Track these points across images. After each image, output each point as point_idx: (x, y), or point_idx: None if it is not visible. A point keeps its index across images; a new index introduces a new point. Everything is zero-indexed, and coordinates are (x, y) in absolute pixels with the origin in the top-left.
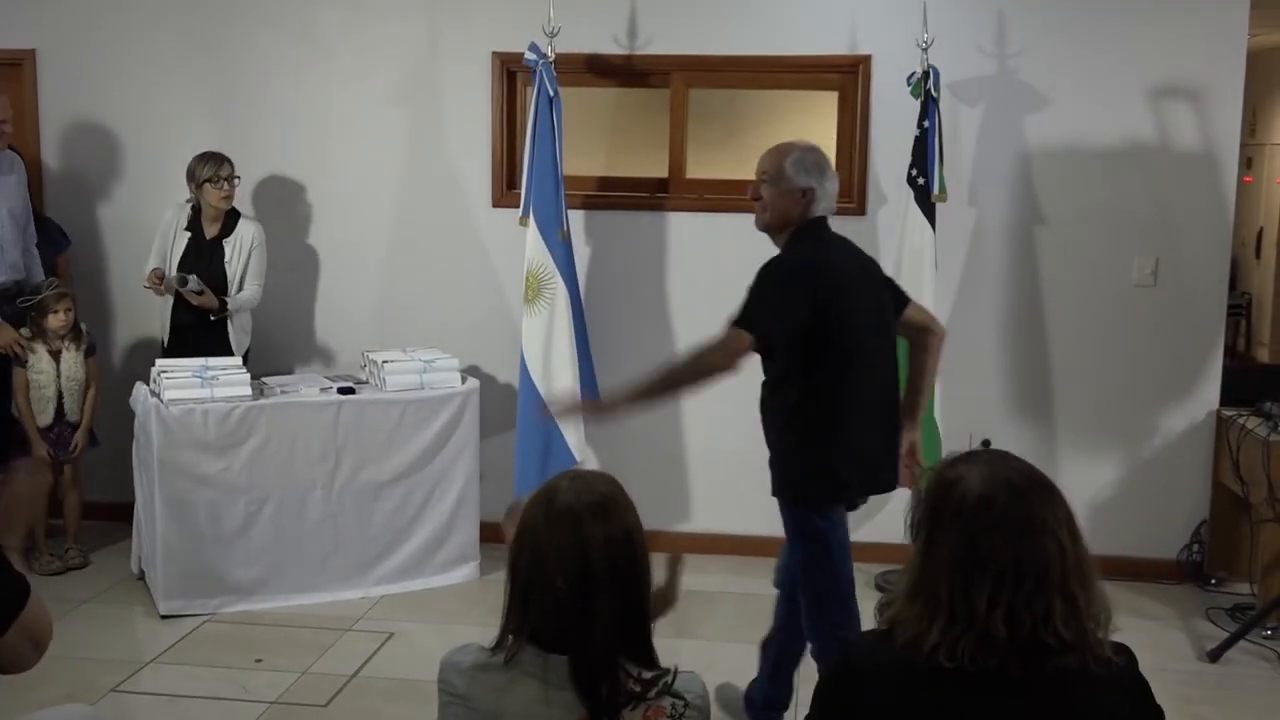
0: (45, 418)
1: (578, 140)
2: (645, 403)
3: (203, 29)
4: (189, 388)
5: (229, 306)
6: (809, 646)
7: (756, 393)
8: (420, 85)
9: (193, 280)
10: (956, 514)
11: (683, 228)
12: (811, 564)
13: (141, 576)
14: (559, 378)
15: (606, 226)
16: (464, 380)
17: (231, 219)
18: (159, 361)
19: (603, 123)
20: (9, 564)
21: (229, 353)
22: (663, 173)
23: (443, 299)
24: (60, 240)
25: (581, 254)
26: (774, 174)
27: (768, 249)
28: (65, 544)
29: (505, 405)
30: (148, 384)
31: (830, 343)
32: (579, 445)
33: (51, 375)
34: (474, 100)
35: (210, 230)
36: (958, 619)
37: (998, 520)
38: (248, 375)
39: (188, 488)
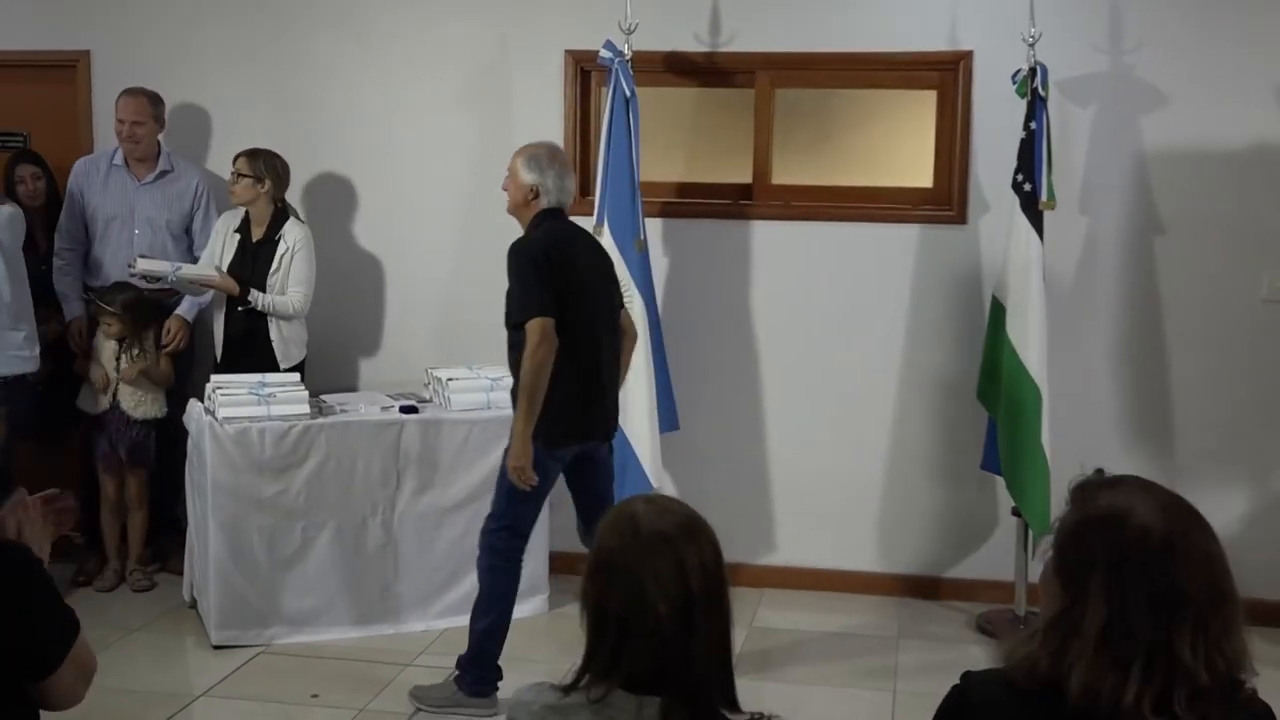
0: (96, 405)
1: (656, 144)
2: (529, 428)
3: (260, 29)
4: (245, 405)
5: (254, 301)
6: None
7: (842, 416)
8: (488, 86)
9: (141, 263)
10: (1140, 550)
11: (768, 237)
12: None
13: (193, 604)
14: (634, 397)
15: (686, 236)
16: None
17: (279, 221)
18: (214, 377)
19: (682, 125)
20: (59, 595)
21: (275, 366)
22: (747, 178)
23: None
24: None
25: (659, 265)
26: (512, 169)
27: (864, 259)
28: (129, 565)
29: None
30: (202, 401)
31: (565, 310)
32: (655, 470)
33: (111, 354)
34: (545, 102)
35: (256, 232)
36: (1156, 665)
37: (1188, 554)
38: (306, 392)
39: (242, 511)
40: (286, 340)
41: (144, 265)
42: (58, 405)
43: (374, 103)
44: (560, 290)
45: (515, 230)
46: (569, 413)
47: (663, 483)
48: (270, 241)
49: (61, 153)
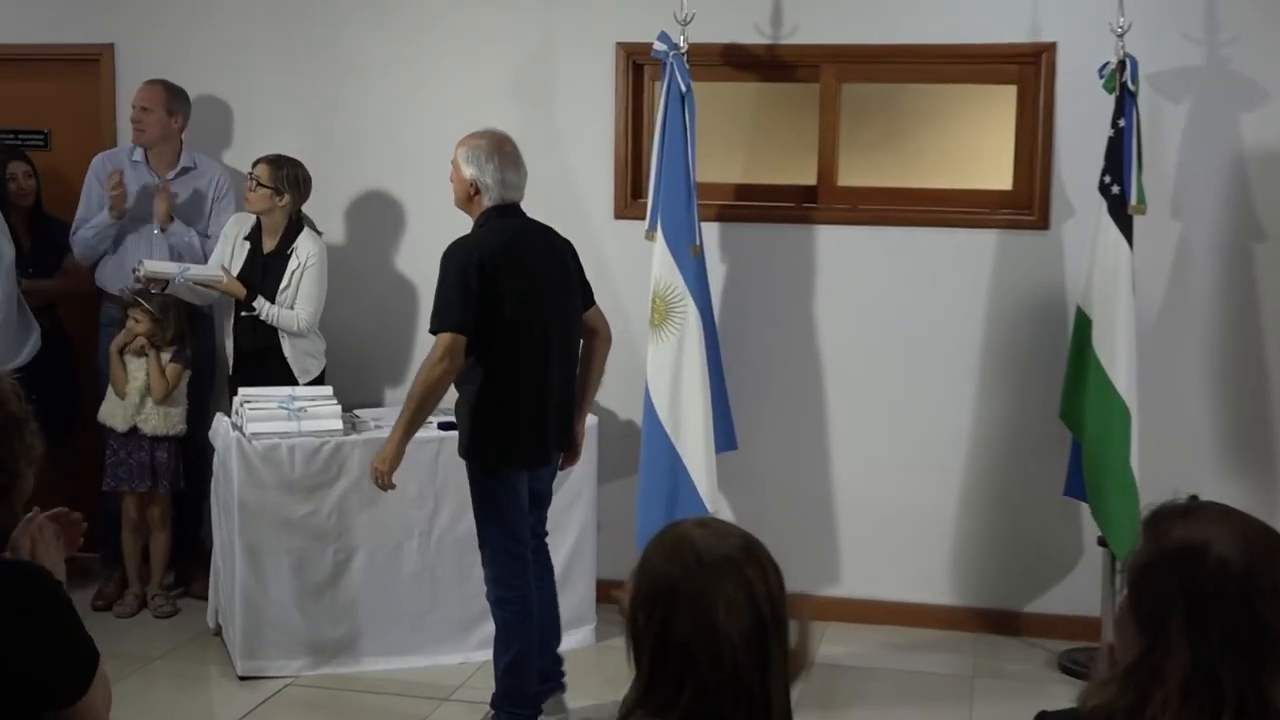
0: (122, 420)
1: (713, 142)
2: (408, 437)
3: (291, 20)
4: (274, 420)
5: (258, 309)
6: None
7: (913, 436)
8: (534, 81)
9: (147, 264)
10: (1219, 586)
11: (833, 242)
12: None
13: (218, 632)
14: (689, 414)
15: (745, 241)
16: None
17: (293, 233)
18: (242, 390)
19: (742, 123)
20: (81, 625)
21: (292, 382)
22: (811, 180)
23: None
24: (66, 240)
25: (716, 272)
26: (454, 162)
27: (937, 267)
28: (150, 589)
29: (626, 445)
30: (229, 415)
31: (497, 318)
32: (710, 493)
33: (137, 368)
34: (595, 97)
35: (268, 243)
36: (1250, 715)
37: (1274, 588)
38: (339, 407)
39: (271, 533)
40: (301, 353)
41: (150, 267)
42: (58, 407)
43: (410, 98)
44: (497, 304)
45: (573, 234)
46: (520, 435)
47: (719, 506)
48: (282, 255)
49: (83, 151)
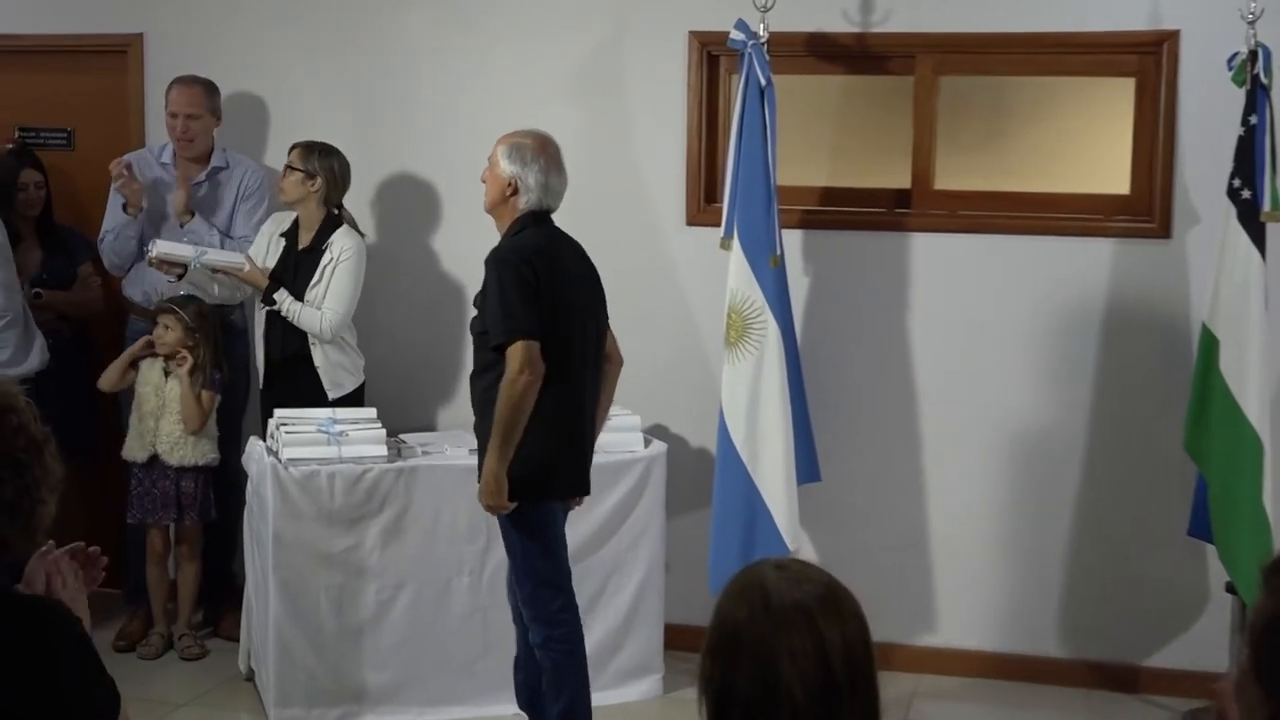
0: (140, 448)
1: (796, 142)
2: (505, 460)
3: (337, 8)
4: (313, 445)
5: (278, 302)
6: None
7: (1017, 468)
8: (598, 73)
9: (159, 245)
10: None
11: (929, 253)
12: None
13: (251, 676)
14: (767, 441)
15: (831, 250)
16: (647, 443)
17: (330, 228)
18: (278, 412)
19: (828, 120)
20: (102, 666)
21: (322, 396)
22: (904, 183)
23: (622, 340)
24: (80, 250)
25: (799, 285)
26: (492, 159)
27: (1046, 279)
28: (177, 628)
29: (699, 475)
30: (263, 439)
31: (552, 335)
32: (791, 530)
33: (155, 388)
34: (665, 92)
35: (303, 238)
36: None
37: None
38: (383, 431)
39: (308, 569)
40: (333, 365)
41: (163, 248)
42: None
43: (467, 93)
44: (550, 311)
45: (625, 244)
46: (563, 464)
47: (800, 544)
48: (316, 250)
49: (108, 151)
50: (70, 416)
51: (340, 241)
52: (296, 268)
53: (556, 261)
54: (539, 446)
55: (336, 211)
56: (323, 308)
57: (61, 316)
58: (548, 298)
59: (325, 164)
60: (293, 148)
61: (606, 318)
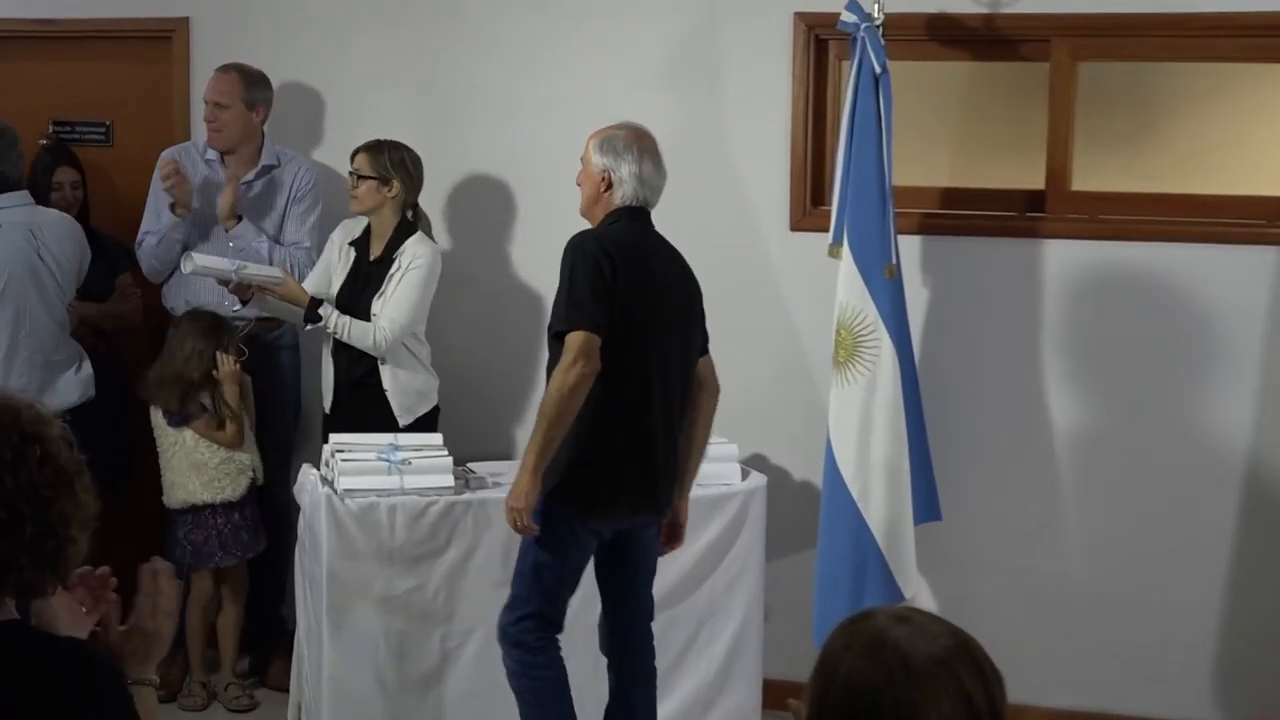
0: (186, 490)
1: (914, 137)
2: (544, 463)
3: None
4: (372, 474)
5: (324, 319)
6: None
7: (1167, 510)
8: (692, 60)
9: (196, 257)
10: None
11: (1065, 261)
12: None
13: None
14: (881, 474)
15: (954, 259)
16: (745, 475)
17: (403, 235)
18: (333, 437)
19: (950, 111)
20: (137, 716)
21: (392, 423)
22: (1038, 183)
23: (717, 358)
24: (120, 258)
25: (917, 298)
26: (584, 157)
27: (1201, 293)
28: (221, 678)
29: (802, 512)
30: (317, 468)
31: (624, 335)
32: (906, 574)
33: (161, 429)
34: (767, 81)
35: (375, 248)
36: None
37: None
38: (450, 459)
39: (366, 612)
40: (404, 388)
41: (200, 260)
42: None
43: (545, 83)
44: (623, 311)
45: (721, 251)
46: (615, 474)
47: (917, 592)
48: (386, 261)
49: (150, 147)
50: (103, 444)
51: (412, 249)
52: (366, 280)
53: (643, 261)
54: (590, 454)
55: (411, 215)
56: (378, 319)
57: (97, 332)
58: (624, 296)
59: (398, 164)
60: (356, 152)
61: (703, 339)
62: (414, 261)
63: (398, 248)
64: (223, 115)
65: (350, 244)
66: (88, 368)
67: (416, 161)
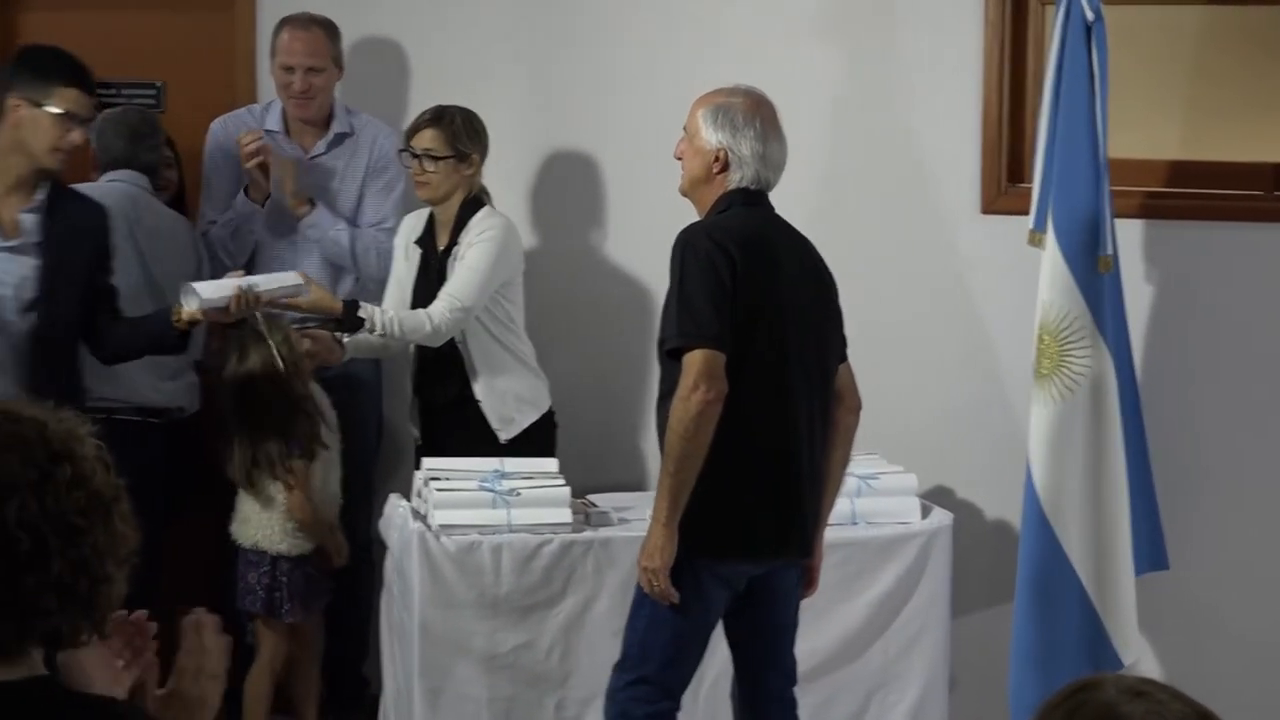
0: (261, 530)
1: (1135, 99)
2: (678, 511)
3: None
4: (474, 507)
5: (367, 320)
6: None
7: None
8: (860, 9)
9: (199, 289)
10: None
11: None
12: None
13: None
14: (1093, 513)
15: (1185, 248)
16: (926, 512)
17: (468, 213)
18: (426, 462)
19: (1178, 69)
20: None
21: (490, 440)
22: None
23: (890, 370)
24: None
25: (1138, 295)
26: (690, 128)
27: None
28: None
29: (996, 557)
30: (407, 499)
31: (747, 339)
32: (1127, 635)
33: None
34: (954, 31)
35: (442, 238)
36: None
37: None
38: (567, 490)
39: (466, 674)
40: (503, 395)
41: (206, 293)
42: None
43: (676, 35)
44: (749, 315)
45: (896, 238)
46: (752, 509)
47: (1139, 657)
48: (456, 246)
49: (207, 113)
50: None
51: (480, 223)
52: (439, 275)
53: (767, 252)
54: (716, 489)
55: (476, 192)
56: (437, 297)
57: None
58: (747, 297)
59: (474, 134)
60: (414, 130)
61: (842, 342)
62: (483, 233)
63: (464, 226)
64: (317, 81)
65: (415, 243)
66: (192, 375)
67: (484, 126)
